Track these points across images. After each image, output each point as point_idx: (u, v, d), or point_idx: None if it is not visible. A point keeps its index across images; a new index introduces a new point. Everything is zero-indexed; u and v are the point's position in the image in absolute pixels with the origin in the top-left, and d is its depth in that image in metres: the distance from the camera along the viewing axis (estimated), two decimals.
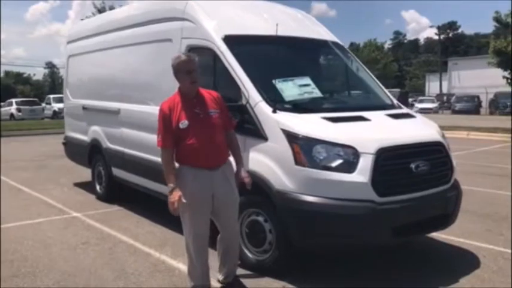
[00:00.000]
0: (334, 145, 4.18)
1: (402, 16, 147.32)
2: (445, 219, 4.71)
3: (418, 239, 5.30)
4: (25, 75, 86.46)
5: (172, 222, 4.74)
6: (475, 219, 6.45)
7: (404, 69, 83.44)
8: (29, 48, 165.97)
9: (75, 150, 8.68)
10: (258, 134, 4.54)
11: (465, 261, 4.95)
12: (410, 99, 51.13)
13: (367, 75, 6.01)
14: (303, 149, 4.20)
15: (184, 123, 3.72)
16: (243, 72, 4.79)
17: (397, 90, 38.63)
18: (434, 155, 4.61)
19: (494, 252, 5.16)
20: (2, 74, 75.77)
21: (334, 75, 6.07)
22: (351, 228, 4.11)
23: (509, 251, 5.14)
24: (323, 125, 4.41)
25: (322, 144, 4.18)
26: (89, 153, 7.91)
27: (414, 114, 5.30)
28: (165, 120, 3.76)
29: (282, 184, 4.26)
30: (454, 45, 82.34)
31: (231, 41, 5.07)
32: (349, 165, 4.13)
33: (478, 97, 41.44)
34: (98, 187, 7.79)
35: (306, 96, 4.90)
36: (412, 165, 4.30)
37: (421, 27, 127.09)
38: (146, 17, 6.37)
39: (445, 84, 58.70)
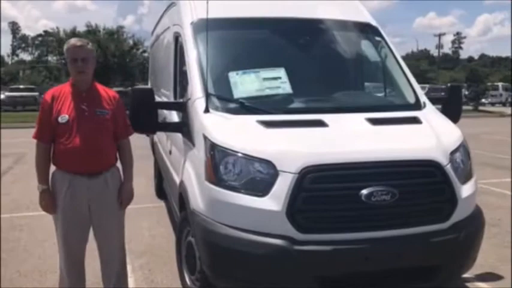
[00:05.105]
0: (249, 158, 3.16)
1: None
2: (432, 273, 3.25)
3: None
4: None
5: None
6: None
7: None
8: None
9: None
10: (190, 137, 3.75)
11: None
12: None
13: (395, 66, 4.50)
14: (214, 161, 3.27)
15: (64, 118, 3.20)
16: (195, 63, 3.99)
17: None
18: (414, 179, 3.20)
19: None
20: None
21: (342, 65, 4.67)
22: (258, 272, 3.07)
23: None
24: (250, 130, 3.38)
25: (234, 156, 3.19)
26: None
27: (424, 119, 3.69)
28: (45, 110, 3.27)
29: (197, 203, 3.42)
30: None
31: (201, 26, 4.26)
32: (264, 187, 3.08)
33: None
34: None
35: (267, 92, 3.87)
36: (363, 193, 3.02)
37: None
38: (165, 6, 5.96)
39: None
